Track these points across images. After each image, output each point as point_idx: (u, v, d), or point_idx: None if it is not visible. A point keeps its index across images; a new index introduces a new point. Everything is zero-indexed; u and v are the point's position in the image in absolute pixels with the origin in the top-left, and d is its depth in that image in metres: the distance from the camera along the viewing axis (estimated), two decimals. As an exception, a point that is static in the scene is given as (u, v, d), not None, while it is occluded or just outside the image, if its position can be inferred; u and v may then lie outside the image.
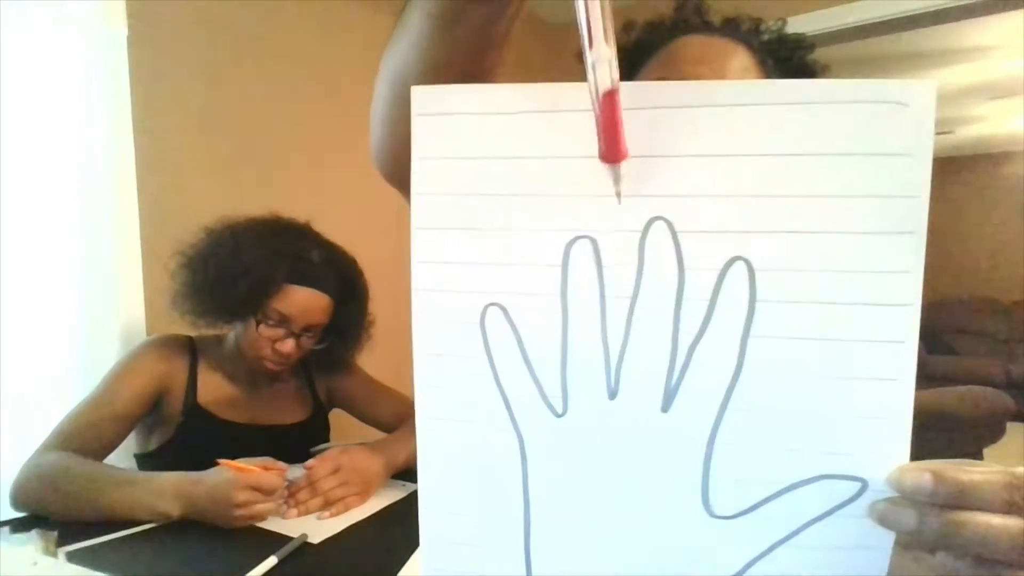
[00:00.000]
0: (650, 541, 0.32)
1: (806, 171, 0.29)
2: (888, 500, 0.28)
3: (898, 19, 1.83)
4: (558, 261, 0.31)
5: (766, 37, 0.65)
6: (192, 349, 1.04)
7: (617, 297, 0.30)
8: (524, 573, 0.33)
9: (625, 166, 0.28)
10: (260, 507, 0.75)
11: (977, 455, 2.38)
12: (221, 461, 0.78)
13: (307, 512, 0.81)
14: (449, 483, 0.33)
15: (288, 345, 0.99)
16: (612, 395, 0.31)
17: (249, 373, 1.06)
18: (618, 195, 0.29)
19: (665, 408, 0.31)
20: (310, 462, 0.86)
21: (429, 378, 0.33)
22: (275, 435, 1.05)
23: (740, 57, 0.59)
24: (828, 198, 0.29)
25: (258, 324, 0.97)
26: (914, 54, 3.19)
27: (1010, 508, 0.26)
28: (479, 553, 0.33)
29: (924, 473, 0.27)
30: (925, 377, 4.78)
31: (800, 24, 1.96)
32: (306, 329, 1.01)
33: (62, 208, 1.19)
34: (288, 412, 1.10)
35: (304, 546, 0.70)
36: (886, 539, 0.29)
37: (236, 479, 0.74)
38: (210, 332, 1.06)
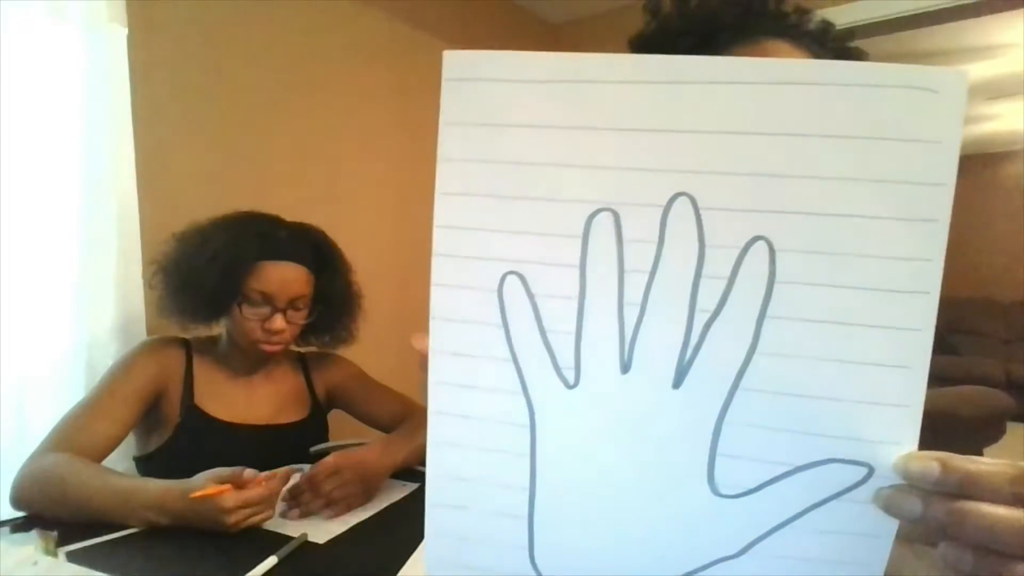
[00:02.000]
0: (653, 516, 0.32)
1: (832, 153, 0.28)
2: (894, 487, 0.28)
3: (898, 19, 1.83)
4: (579, 232, 0.31)
5: (812, 27, 0.63)
6: (187, 350, 1.04)
7: (636, 271, 0.30)
8: (527, 540, 0.33)
9: (649, 139, 0.29)
10: (255, 518, 0.74)
11: (977, 455, 2.38)
12: (193, 495, 0.73)
13: (309, 513, 0.81)
14: (457, 447, 0.34)
15: (277, 322, 1.00)
16: (625, 369, 0.31)
17: (246, 370, 1.06)
18: None
19: (676, 385, 0.31)
20: (310, 469, 0.86)
21: (444, 343, 0.33)
22: (273, 434, 1.05)
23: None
24: (853, 181, 0.28)
25: (241, 307, 0.99)
26: (914, 54, 3.19)
27: (1016, 500, 0.26)
28: (483, 518, 0.34)
29: (931, 461, 0.27)
30: (925, 377, 4.76)
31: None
32: (291, 304, 1.02)
33: (62, 208, 1.19)
34: (286, 411, 1.10)
35: (305, 546, 0.70)
36: (890, 526, 0.29)
37: (222, 497, 0.72)
38: (204, 335, 1.07)
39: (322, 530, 0.75)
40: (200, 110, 1.47)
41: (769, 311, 0.29)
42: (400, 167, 1.93)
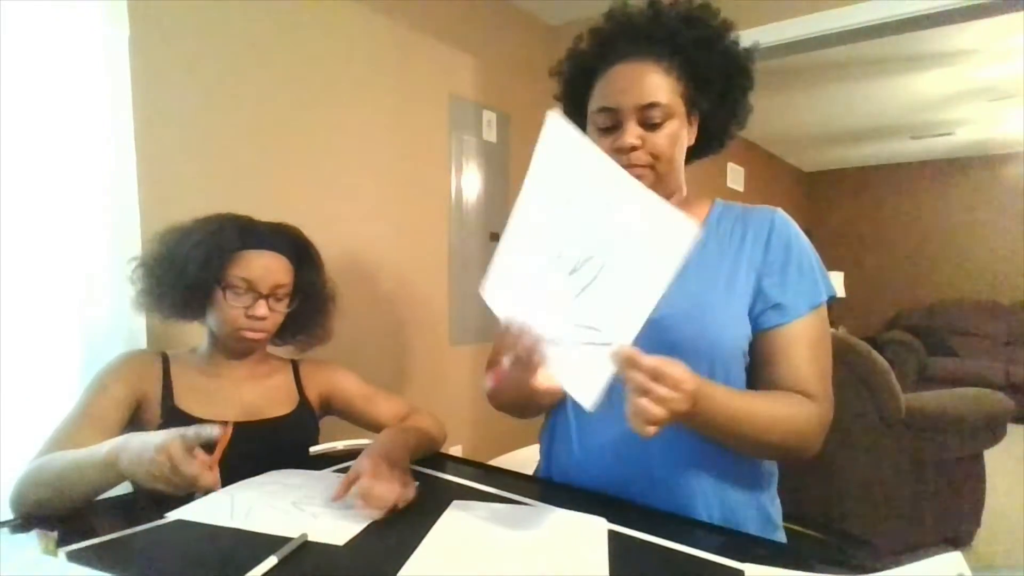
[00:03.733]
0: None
1: (611, 226, 0.69)
2: (617, 351, 0.63)
3: (897, 21, 1.83)
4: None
5: (674, 19, 0.85)
6: (163, 358, 1.06)
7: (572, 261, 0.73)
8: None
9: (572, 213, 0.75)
10: (175, 474, 0.70)
11: (977, 457, 2.37)
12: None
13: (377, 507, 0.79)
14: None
15: (260, 308, 1.02)
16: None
17: (229, 371, 1.08)
18: None
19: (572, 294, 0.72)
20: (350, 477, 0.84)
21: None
22: (257, 429, 1.05)
23: (651, 76, 0.83)
24: (622, 240, 0.69)
25: (225, 293, 1.01)
26: (913, 56, 3.19)
27: (650, 379, 0.63)
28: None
29: (621, 351, 0.63)
30: (926, 379, 4.77)
31: (798, 27, 1.96)
32: (272, 292, 1.04)
33: (63, 209, 1.19)
34: (271, 407, 1.09)
35: (304, 546, 0.70)
36: (610, 365, 0.64)
37: (181, 437, 0.73)
38: (184, 348, 1.10)
39: (322, 531, 0.75)
40: (201, 111, 1.47)
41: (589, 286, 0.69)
42: (400, 167, 1.93)
